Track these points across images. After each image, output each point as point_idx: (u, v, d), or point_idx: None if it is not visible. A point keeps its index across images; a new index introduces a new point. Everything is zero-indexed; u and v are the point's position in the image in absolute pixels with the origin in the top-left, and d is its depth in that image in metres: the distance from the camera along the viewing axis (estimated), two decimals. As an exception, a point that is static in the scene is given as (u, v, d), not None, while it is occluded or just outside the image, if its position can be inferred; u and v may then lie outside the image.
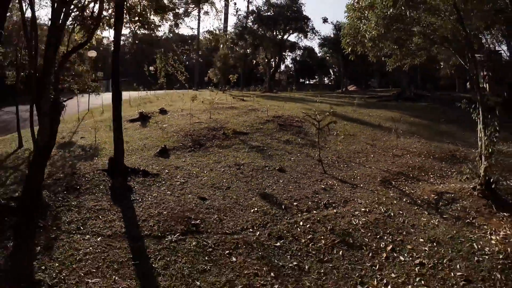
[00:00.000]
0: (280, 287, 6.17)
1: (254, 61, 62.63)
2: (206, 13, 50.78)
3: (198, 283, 6.10)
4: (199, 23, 27.02)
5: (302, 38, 57.15)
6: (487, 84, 44.03)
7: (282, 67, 70.38)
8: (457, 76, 42.75)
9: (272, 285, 6.21)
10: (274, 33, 54.41)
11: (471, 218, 8.72)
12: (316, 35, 57.45)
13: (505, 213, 8.84)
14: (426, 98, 34.82)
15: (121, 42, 12.02)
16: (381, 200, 9.67)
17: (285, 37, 56.41)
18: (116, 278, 6.08)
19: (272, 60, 57.74)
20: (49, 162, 10.25)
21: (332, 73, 79.90)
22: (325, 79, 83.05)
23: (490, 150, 9.92)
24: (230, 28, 59.37)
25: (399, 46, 12.82)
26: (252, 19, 54.55)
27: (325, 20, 64.41)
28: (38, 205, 8.15)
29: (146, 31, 14.90)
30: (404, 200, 9.77)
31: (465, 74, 38.59)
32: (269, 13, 53.24)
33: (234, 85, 43.33)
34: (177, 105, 23.73)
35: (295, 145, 15.29)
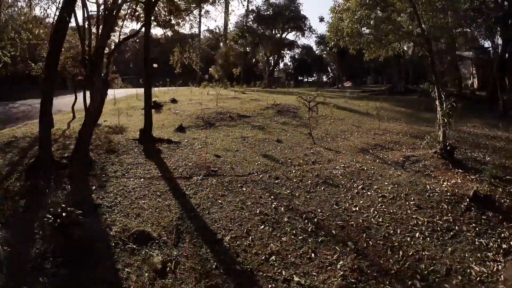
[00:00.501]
0: (278, 205, 8.83)
1: (254, 59, 65.06)
2: (207, 12, 52.97)
3: (219, 201, 8.85)
4: (200, 21, 29.27)
5: (300, 36, 59.81)
6: (475, 80, 46.77)
7: (281, 65, 72.58)
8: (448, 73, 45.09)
9: (271, 203, 8.92)
10: (273, 31, 57.00)
11: (429, 172, 11.35)
12: (313, 34, 60.17)
13: (459, 170, 11.44)
14: (415, 92, 36.94)
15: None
16: (358, 160, 12.27)
17: (284, 35, 59.03)
18: (159, 200, 8.74)
19: (271, 57, 60.26)
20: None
21: (330, 70, 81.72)
22: (324, 77, 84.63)
23: (445, 120, 12.74)
24: (230, 27, 61.57)
25: (373, 40, 15.93)
26: (252, 18, 57.08)
27: (321, 19, 66.88)
28: (86, 161, 10.60)
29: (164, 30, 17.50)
30: (377, 161, 12.36)
31: (457, 71, 41.29)
32: (268, 13, 55.77)
33: (233, 82, 45.51)
34: (185, 97, 26.54)
35: (291, 125, 18.16)
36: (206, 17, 22.02)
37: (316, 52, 71.39)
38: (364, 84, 65.43)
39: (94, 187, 9.15)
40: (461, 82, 40.66)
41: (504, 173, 11.08)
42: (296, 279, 6.30)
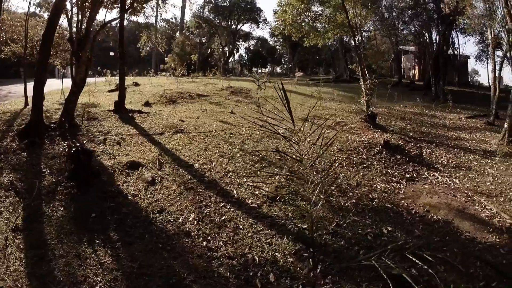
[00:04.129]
0: (232, 148, 11.38)
1: (209, 49, 66.81)
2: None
3: (188, 146, 11.35)
4: (157, 10, 30.72)
5: (255, 28, 62.19)
6: (416, 71, 50.92)
7: (236, 56, 74.36)
8: (393, 63, 48.54)
9: (227, 147, 11.43)
10: (229, 22, 59.07)
11: (353, 131, 14.16)
12: (267, 26, 62.79)
13: (378, 130, 14.39)
14: (359, 80, 39.86)
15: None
16: (298, 124, 14.65)
17: (239, 26, 61.21)
18: (141, 146, 11.01)
19: (226, 48, 62.31)
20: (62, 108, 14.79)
21: (283, 62, 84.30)
22: (278, 68, 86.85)
23: (367, 92, 15.79)
24: (187, 17, 62.90)
25: (311, 30, 19.20)
26: (209, 9, 58.88)
27: (275, 12, 69.58)
28: (73, 124, 12.61)
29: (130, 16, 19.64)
30: (313, 126, 14.92)
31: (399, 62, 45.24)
32: (224, 4, 57.74)
33: (189, 71, 46.89)
34: (146, 81, 28.60)
35: (243, 102, 20.76)
36: (164, 6, 23.58)
37: (270, 44, 73.88)
38: (315, 75, 68.49)
39: (85, 141, 11.25)
40: (401, 72, 44.79)
41: (419, 136, 14.06)
42: (247, 183, 8.92)
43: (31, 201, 7.67)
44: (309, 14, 19.24)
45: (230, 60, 70.20)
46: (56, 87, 19.96)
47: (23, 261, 5.93)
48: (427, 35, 37.59)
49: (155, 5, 23.56)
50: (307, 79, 45.17)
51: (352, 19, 17.34)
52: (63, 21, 16.18)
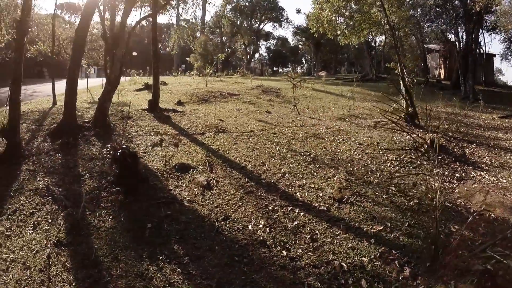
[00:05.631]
0: (280, 148, 10.60)
1: (230, 49, 66.22)
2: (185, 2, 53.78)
3: (234, 147, 10.56)
4: (178, 11, 29.96)
5: (277, 27, 61.41)
6: (442, 70, 49.45)
7: (256, 55, 73.83)
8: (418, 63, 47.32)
9: (274, 148, 10.66)
10: (251, 22, 58.37)
11: (396, 130, 13.20)
12: (290, 25, 61.95)
13: (419, 130, 13.47)
14: (385, 80, 38.74)
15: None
16: (337, 124, 14.08)
17: (261, 26, 60.49)
18: (185, 147, 10.26)
19: (248, 47, 61.64)
20: (95, 107, 14.10)
21: (304, 61, 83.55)
22: (298, 68, 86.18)
23: (407, 92, 14.97)
24: (208, 17, 62.45)
25: (347, 28, 18.42)
26: (230, 8, 58.27)
27: (298, 11, 69.09)
28: (107, 123, 12.00)
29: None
30: (353, 125, 14.21)
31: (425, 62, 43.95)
32: (246, 3, 57.07)
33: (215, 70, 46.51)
34: (173, 81, 27.96)
35: (276, 102, 20.13)
36: (184, 7, 23.24)
37: (292, 43, 73.16)
38: (337, 74, 67.47)
39: (123, 141, 10.45)
40: (428, 72, 43.46)
41: (458, 135, 13.20)
42: (307, 185, 8.25)
43: (73, 209, 6.86)
44: (345, 12, 18.45)
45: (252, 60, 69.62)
46: (82, 86, 19.31)
47: (73, 284, 5.07)
48: (454, 33, 36.21)
49: (182, 4, 22.79)
50: (332, 78, 44.14)
51: (389, 16, 16.47)
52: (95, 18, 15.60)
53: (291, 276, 5.37)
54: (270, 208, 7.24)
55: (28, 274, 5.24)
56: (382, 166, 9.52)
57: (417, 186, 8.47)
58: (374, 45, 49.94)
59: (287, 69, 78.50)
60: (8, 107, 9.80)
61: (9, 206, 7.03)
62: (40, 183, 7.90)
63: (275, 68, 79.09)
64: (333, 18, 18.59)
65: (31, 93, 23.63)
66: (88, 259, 5.54)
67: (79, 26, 11.62)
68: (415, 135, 12.46)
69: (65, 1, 63.06)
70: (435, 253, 5.62)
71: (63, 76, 25.58)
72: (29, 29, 12.79)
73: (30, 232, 6.24)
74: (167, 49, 49.50)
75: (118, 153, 7.40)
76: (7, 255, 5.63)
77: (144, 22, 34.94)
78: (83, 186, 7.82)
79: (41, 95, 21.61)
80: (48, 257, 5.56)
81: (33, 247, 5.83)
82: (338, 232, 6.42)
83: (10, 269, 5.36)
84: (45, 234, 6.16)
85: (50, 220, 6.56)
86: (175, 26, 42.50)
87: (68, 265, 5.43)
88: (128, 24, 15.88)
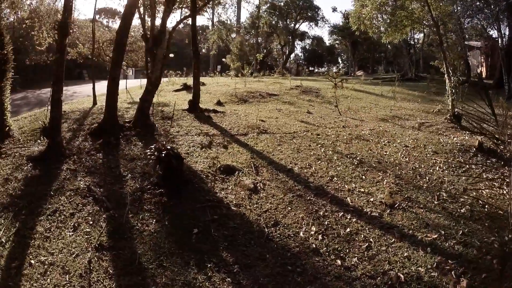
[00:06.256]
0: (325, 150, 10.17)
1: (265, 50, 65.95)
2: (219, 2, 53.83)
3: (278, 148, 10.17)
4: (213, 13, 29.94)
5: (313, 26, 60.73)
6: (483, 68, 47.66)
7: (292, 55, 73.37)
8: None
9: (319, 149, 10.24)
10: (286, 21, 57.96)
11: (441, 132, 12.82)
12: (326, 24, 61.18)
13: (466, 132, 12.84)
14: (425, 79, 37.67)
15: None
16: (381, 125, 13.52)
17: (297, 26, 59.98)
18: (229, 148, 9.96)
19: (284, 47, 61.26)
20: (135, 107, 13.99)
21: (340, 61, 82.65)
22: (334, 68, 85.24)
23: (453, 91, 14.45)
24: (243, 17, 62.40)
25: (390, 24, 17.79)
26: (265, 9, 58.01)
27: (334, 10, 68.33)
28: (148, 123, 11.83)
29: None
30: (396, 126, 13.67)
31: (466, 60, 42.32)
32: (281, 3, 56.70)
33: (252, 71, 46.39)
34: (211, 81, 27.85)
35: (316, 102, 19.65)
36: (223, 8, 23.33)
37: (329, 42, 72.38)
38: (375, 73, 66.33)
39: (164, 141, 10.23)
40: (469, 70, 41.72)
41: (506, 138, 12.45)
42: (357, 189, 7.83)
43: (115, 211, 6.60)
44: (387, 9, 17.84)
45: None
46: (121, 87, 19.39)
47: (116, 292, 4.75)
48: (496, 28, 34.53)
49: (220, 5, 22.69)
50: (371, 78, 43.25)
51: (433, 12, 15.77)
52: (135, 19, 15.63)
53: (346, 287, 5.02)
54: (321, 213, 6.83)
55: (67, 279, 4.97)
56: (431, 170, 9.01)
57: (468, 191, 7.99)
58: (412, 43, 48.70)
59: (324, 69, 77.90)
60: (49, 107, 9.69)
61: (49, 206, 6.82)
62: (81, 183, 7.70)
63: (310, 68, 78.48)
64: (374, 15, 18.05)
65: (71, 93, 24.02)
66: (131, 265, 5.24)
67: (120, 28, 11.52)
68: (461, 138, 11.93)
69: (102, 6, 64.56)
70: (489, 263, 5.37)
71: (102, 77, 26.04)
72: (70, 31, 12.83)
73: (70, 234, 5.99)
74: (203, 50, 49.65)
75: (163, 154, 7.13)
76: (46, 258, 5.38)
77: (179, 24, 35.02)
78: (125, 187, 7.58)
79: (81, 96, 21.97)
80: (89, 261, 5.28)
81: (73, 250, 5.56)
82: (393, 240, 6.03)
83: (48, 272, 5.09)
84: (86, 236, 5.90)
85: (91, 222, 6.31)
86: (214, 26, 42.63)
87: (110, 270, 5.14)
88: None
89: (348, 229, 6.32)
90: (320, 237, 6.08)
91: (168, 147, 7.40)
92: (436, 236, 6.05)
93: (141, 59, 25.71)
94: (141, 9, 14.33)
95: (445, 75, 15.27)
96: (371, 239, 6.04)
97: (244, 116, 13.93)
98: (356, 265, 5.42)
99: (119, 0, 68.63)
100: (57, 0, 16.43)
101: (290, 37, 59.19)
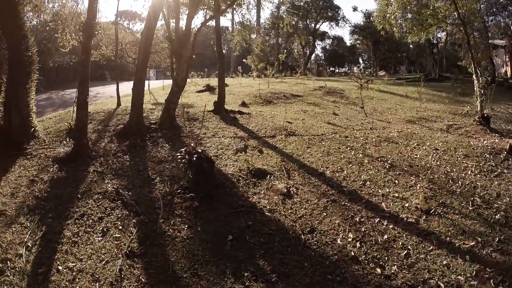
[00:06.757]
0: (355, 153, 9.90)
1: (285, 50, 65.62)
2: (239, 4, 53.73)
3: (308, 151, 9.93)
4: (233, 14, 29.88)
5: (334, 26, 60.20)
6: (508, 68, 46.53)
7: (312, 56, 72.98)
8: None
9: (349, 152, 9.97)
10: (307, 21, 57.59)
11: (470, 134, 12.45)
12: (346, 23, 60.61)
13: (495, 134, 12.52)
14: (449, 79, 37.01)
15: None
16: (408, 127, 13.19)
17: (317, 26, 59.55)
18: (256, 151, 9.65)
19: (305, 48, 60.89)
20: (160, 109, 13.93)
21: (361, 61, 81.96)
22: (354, 68, 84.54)
23: (482, 92, 14.10)
24: (263, 18, 62.14)
25: (415, 24, 17.46)
26: (285, 8, 57.71)
27: (355, 9, 67.83)
28: (174, 125, 11.80)
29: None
30: (424, 128, 13.32)
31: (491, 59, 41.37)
32: (301, 3, 56.32)
33: (274, 72, 46.23)
34: (233, 82, 27.74)
35: (340, 103, 19.34)
36: (246, 9, 23.25)
37: (350, 42, 71.85)
38: (397, 73, 65.52)
39: (192, 143, 10.09)
40: (494, 70, 40.78)
41: None
42: (391, 194, 7.60)
43: (146, 216, 6.45)
44: (413, 8, 17.45)
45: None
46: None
47: (150, 303, 4.57)
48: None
49: (244, 6, 22.53)
50: (394, 78, 42.64)
51: (459, 10, 15.35)
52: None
53: (388, 296, 4.79)
54: (357, 219, 6.60)
55: (97, 287, 4.82)
56: (463, 174, 8.74)
57: (501, 197, 7.69)
58: (435, 42, 47.89)
59: (345, 69, 77.22)
60: (75, 108, 9.63)
61: (77, 209, 6.69)
62: (109, 185, 7.59)
63: (331, 68, 77.92)
64: (399, 15, 17.73)
65: (94, 94, 24.12)
66: (164, 274, 5.05)
67: (145, 30, 11.54)
68: (491, 141, 11.57)
69: (123, 9, 65.46)
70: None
71: (124, 78, 26.14)
72: (95, 32, 12.82)
73: (99, 239, 5.84)
74: (223, 51, 49.44)
75: (194, 158, 6.94)
76: (74, 264, 5.22)
77: (199, 25, 35.06)
78: (154, 191, 7.44)
79: (105, 96, 22.00)
80: (119, 269, 5.11)
81: (103, 256, 5.41)
82: (431, 247, 5.80)
83: (77, 280, 4.93)
84: (116, 242, 5.74)
85: (120, 227, 6.15)
86: (235, 27, 42.57)
87: (142, 279, 4.96)
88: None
89: (385, 236, 6.09)
90: (358, 244, 5.86)
91: (199, 150, 7.22)
92: (473, 243, 5.87)
93: (163, 60, 25.79)
94: (165, 11, 14.25)
95: (473, 76, 14.86)
96: (409, 247, 5.82)
97: (270, 118, 13.71)
98: (396, 273, 5.22)
99: (144, 2, 69.35)
100: (80, 3, 16.53)
101: (310, 37, 58.75)
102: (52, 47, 29.58)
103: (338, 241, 5.94)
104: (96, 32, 10.47)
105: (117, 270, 5.07)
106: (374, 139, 11.18)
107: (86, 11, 10.22)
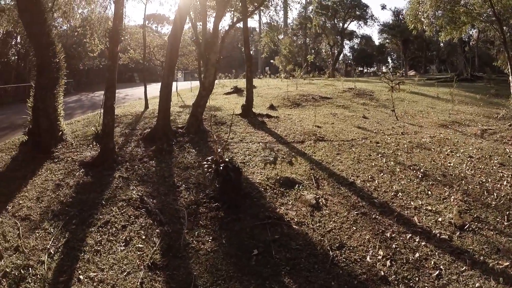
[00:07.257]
0: (386, 160, 9.52)
1: (313, 50, 65.08)
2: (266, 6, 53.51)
3: (338, 158, 9.64)
4: (260, 15, 29.71)
5: (362, 25, 59.38)
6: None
7: (340, 55, 72.23)
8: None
9: (380, 160, 9.60)
10: (335, 21, 56.95)
11: (506, 140, 11.82)
12: (375, 22, 59.69)
13: None
14: (482, 79, 36.01)
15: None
16: (441, 132, 12.68)
17: (345, 25, 58.82)
18: (284, 157, 9.47)
19: (333, 48, 60.23)
20: (187, 111, 13.83)
21: (390, 60, 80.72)
22: (383, 67, 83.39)
23: None
24: (290, 18, 61.81)
25: (448, 22, 16.91)
26: (314, 8, 57.12)
27: (383, 7, 66.64)
28: (201, 130, 11.69)
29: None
30: (457, 133, 12.78)
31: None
32: (329, 3, 55.70)
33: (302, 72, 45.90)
34: (261, 83, 27.57)
35: (370, 106, 18.95)
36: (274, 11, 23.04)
37: (379, 41, 70.86)
38: (427, 73, 64.20)
39: (219, 150, 9.93)
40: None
41: None
42: (424, 207, 7.22)
43: (170, 226, 6.29)
44: (445, 6, 16.90)
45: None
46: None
47: (170, 320, 4.39)
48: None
49: (271, 7, 22.35)
50: (424, 78, 41.73)
51: (495, 7, 14.73)
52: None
53: (417, 320, 4.53)
54: (388, 235, 6.28)
55: (118, 298, 4.62)
56: (498, 185, 8.21)
57: None
58: (467, 40, 46.63)
59: (373, 69, 76.15)
60: (102, 113, 9.60)
61: (100, 217, 6.61)
62: (134, 192, 7.48)
63: (359, 68, 77.08)
64: (432, 13, 17.17)
65: (123, 96, 24.41)
66: (186, 289, 4.84)
67: (171, 36, 11.46)
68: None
69: (151, 12, 66.38)
70: None
71: (152, 80, 26.36)
72: (122, 38, 12.85)
73: (122, 248, 5.71)
74: (251, 52, 49.18)
75: (221, 167, 6.73)
76: (95, 274, 5.12)
77: (226, 27, 35.09)
78: (179, 199, 7.28)
79: (133, 98, 22.26)
80: (141, 282, 4.96)
81: (124, 267, 5.28)
82: (464, 267, 5.47)
83: (97, 290, 4.79)
84: (138, 253, 5.59)
85: (143, 237, 6.01)
86: (263, 28, 42.40)
87: (164, 293, 4.75)
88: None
89: (417, 254, 5.77)
90: (388, 262, 5.55)
91: (226, 159, 7.04)
92: (507, 263, 5.51)
93: (191, 62, 25.88)
94: (192, 14, 14.17)
95: (509, 77, 14.21)
96: (441, 266, 5.50)
97: (299, 122, 13.47)
98: (426, 296, 4.90)
99: (170, 6, 69.96)
100: (108, 9, 16.67)
101: (338, 37, 58.05)
102: (82, 51, 30.15)
103: (368, 258, 5.65)
104: (122, 38, 10.48)
105: (138, 283, 4.93)
106: (405, 145, 10.79)
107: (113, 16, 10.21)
